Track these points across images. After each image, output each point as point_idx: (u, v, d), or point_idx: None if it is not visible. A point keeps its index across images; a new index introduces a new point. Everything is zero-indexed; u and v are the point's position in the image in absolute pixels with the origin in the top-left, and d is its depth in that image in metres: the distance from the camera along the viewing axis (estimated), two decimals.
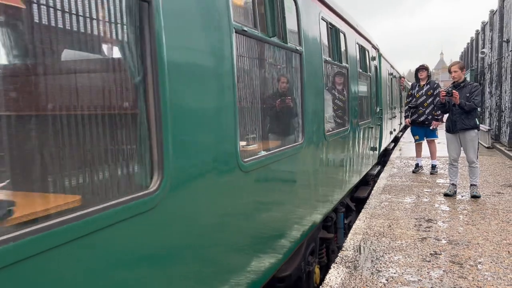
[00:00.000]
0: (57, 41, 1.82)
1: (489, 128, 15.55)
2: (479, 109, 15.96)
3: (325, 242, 5.65)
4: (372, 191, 8.24)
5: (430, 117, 9.63)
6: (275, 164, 3.54)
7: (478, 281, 4.10)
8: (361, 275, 4.31)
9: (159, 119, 2.03)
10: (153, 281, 2.06)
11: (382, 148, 11.72)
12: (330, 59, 5.47)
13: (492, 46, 16.47)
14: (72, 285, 1.64)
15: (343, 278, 4.25)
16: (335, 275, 4.34)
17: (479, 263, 4.54)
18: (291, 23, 3.90)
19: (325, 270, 5.19)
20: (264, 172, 3.35)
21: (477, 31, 21.38)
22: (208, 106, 2.55)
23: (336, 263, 4.68)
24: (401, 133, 21.17)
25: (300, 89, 4.22)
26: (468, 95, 7.00)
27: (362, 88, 8.04)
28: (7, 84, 1.79)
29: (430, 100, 9.61)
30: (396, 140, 17.95)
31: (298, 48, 4.12)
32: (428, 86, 9.72)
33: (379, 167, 10.55)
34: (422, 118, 9.75)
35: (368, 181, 9.14)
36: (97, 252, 1.73)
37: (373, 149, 9.36)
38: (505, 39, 13.85)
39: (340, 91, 6.38)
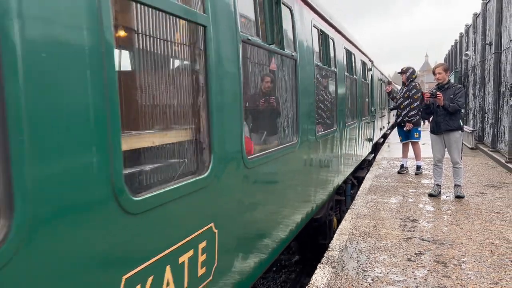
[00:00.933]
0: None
1: (473, 129, 15.78)
2: (463, 110, 16.16)
3: (338, 203, 8.01)
4: (358, 192, 8.30)
5: (406, 118, 9.82)
6: (305, 150, 4.94)
7: (461, 280, 4.16)
8: (346, 275, 4.33)
9: (209, 114, 2.61)
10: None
11: (375, 140, 14.09)
12: (362, 80, 8.00)
13: (476, 49, 16.71)
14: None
15: (329, 278, 4.27)
16: (321, 275, 4.36)
17: (463, 262, 4.60)
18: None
19: (339, 222, 7.24)
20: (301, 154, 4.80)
21: (461, 33, 21.67)
22: (229, 105, 2.92)
23: (322, 263, 4.70)
24: (389, 130, 22.09)
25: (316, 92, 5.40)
26: (452, 96, 7.10)
27: (364, 92, 10.85)
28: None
29: (406, 102, 9.78)
30: (385, 136, 20.41)
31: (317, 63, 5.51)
32: (406, 88, 9.90)
33: (372, 155, 13.11)
34: (399, 120, 10.03)
35: (363, 166, 11.25)
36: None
37: (370, 140, 11.83)
38: (488, 41, 14.07)
39: (352, 94, 8.60)
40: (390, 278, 4.23)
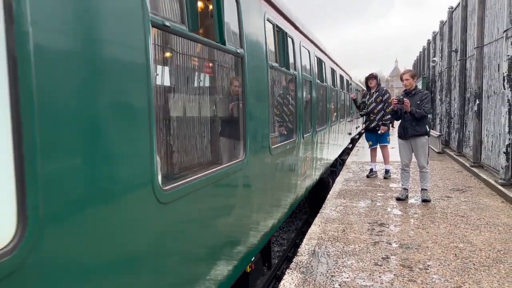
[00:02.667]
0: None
1: (440, 134, 16.16)
2: (430, 115, 16.57)
3: (332, 172, 11.59)
4: (328, 196, 8.36)
5: (380, 123, 9.95)
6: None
7: (426, 284, 4.22)
8: (314, 281, 4.34)
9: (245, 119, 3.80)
10: None
11: (353, 135, 18.24)
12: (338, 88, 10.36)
13: (442, 55, 17.15)
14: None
15: (297, 284, 4.26)
16: (289, 281, 4.35)
17: (428, 266, 4.67)
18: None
19: (332, 183, 10.12)
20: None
21: (428, 40, 22.21)
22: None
23: (291, 269, 4.69)
24: (357, 135, 22.62)
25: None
26: (418, 102, 7.24)
27: (346, 101, 15.17)
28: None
29: (379, 106, 9.92)
30: (360, 134, 23.68)
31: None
32: (377, 93, 10.03)
33: (351, 145, 17.82)
34: (373, 125, 10.09)
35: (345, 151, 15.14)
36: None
37: (349, 133, 16.27)
38: (453, 49, 14.45)
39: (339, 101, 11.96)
40: (357, 283, 4.26)
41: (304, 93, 7.10)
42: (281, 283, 4.33)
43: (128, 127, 2.09)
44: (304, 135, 6.82)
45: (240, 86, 3.86)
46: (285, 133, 6.19)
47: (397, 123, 7.95)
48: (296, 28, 6.66)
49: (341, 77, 13.88)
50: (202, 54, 3.69)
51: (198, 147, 3.65)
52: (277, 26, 5.29)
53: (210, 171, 3.13)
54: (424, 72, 24.09)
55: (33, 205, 1.52)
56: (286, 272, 4.62)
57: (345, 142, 14.52)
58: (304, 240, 5.68)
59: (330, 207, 7.36)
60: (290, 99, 6.29)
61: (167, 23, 2.46)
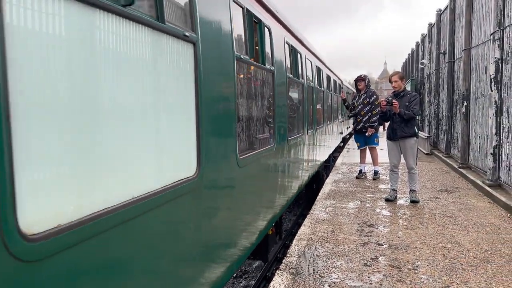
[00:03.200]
0: None
1: (428, 135, 16.30)
2: (418, 117, 16.77)
3: (326, 167, 12.59)
4: (317, 197, 8.38)
5: (367, 124, 10.02)
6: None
7: (415, 284, 4.25)
8: (304, 281, 4.34)
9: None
10: None
11: (344, 134, 19.65)
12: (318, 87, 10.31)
13: (431, 57, 17.31)
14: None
15: (286, 285, 4.26)
16: (279, 282, 4.35)
17: (417, 266, 4.70)
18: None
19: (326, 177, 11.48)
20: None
21: (417, 42, 22.40)
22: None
23: (280, 269, 4.69)
24: (348, 135, 23.00)
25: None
26: (407, 104, 7.30)
27: (338, 103, 16.49)
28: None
29: (366, 108, 9.99)
30: (352, 134, 25.31)
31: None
32: (365, 95, 10.11)
33: (342, 143, 19.48)
34: (360, 126, 10.16)
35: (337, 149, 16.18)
36: None
37: (341, 133, 17.31)
38: (442, 51, 14.60)
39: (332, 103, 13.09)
40: (347, 284, 4.27)
41: (310, 96, 8.62)
42: (271, 284, 4.32)
43: (229, 124, 3.60)
44: (318, 128, 9.71)
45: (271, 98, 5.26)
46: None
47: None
48: (303, 44, 8.18)
49: (334, 81, 15.46)
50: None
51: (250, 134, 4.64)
52: (291, 46, 6.67)
53: (262, 149, 4.74)
54: (413, 74, 24.29)
55: (204, 157, 2.95)
56: (276, 273, 4.62)
57: (337, 140, 16.14)
58: (294, 241, 5.69)
59: (319, 208, 7.38)
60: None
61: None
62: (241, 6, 4.12)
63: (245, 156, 4.02)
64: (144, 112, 2.33)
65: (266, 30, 5.10)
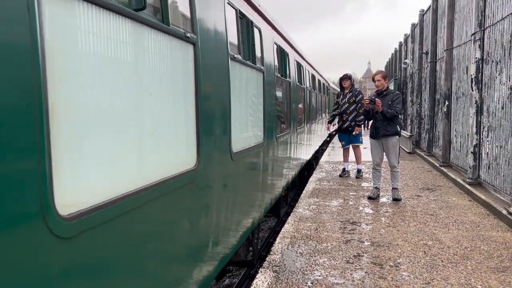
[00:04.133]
0: None
1: (411, 134, 16.50)
2: (401, 116, 16.99)
3: (315, 157, 13.86)
4: (301, 195, 8.42)
5: (353, 123, 10.09)
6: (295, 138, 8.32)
7: (396, 281, 4.29)
8: (287, 279, 4.36)
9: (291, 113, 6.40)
10: None
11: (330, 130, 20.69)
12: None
13: (414, 57, 17.51)
14: None
15: (269, 283, 4.27)
16: (262, 279, 4.35)
17: (398, 263, 4.76)
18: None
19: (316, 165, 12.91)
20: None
21: (400, 42, 22.63)
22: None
23: (264, 267, 4.70)
24: (334, 132, 23.60)
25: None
26: (390, 103, 7.37)
27: (324, 103, 17.73)
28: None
29: (352, 107, 10.06)
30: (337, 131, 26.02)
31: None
32: (351, 94, 10.16)
33: (329, 138, 21.05)
34: (346, 125, 10.21)
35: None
36: None
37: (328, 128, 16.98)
38: (424, 51, 14.77)
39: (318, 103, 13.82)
40: (329, 281, 4.30)
41: (297, 95, 8.82)
42: (254, 282, 4.33)
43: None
44: (308, 125, 10.80)
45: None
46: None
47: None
48: (292, 46, 8.47)
49: (319, 81, 16.03)
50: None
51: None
52: (280, 46, 6.92)
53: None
54: (396, 73, 24.54)
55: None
56: (259, 271, 4.62)
57: (324, 135, 17.73)
58: (278, 239, 5.70)
59: (303, 206, 7.41)
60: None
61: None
62: (277, 45, 5.81)
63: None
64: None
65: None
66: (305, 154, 10.40)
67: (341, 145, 10.80)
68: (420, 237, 5.67)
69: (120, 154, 2.17)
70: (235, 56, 4.15)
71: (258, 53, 5.29)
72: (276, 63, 6.57)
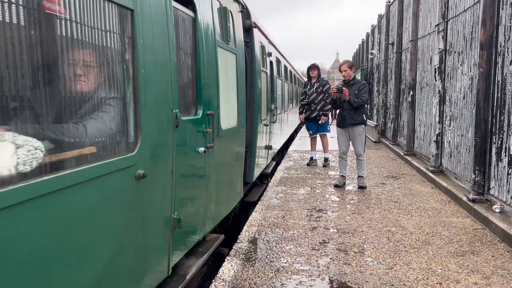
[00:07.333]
0: None
1: (376, 124, 16.80)
2: (367, 105, 17.20)
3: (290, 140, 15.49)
4: (269, 184, 8.45)
5: (321, 112, 10.16)
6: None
7: (361, 266, 4.37)
8: (253, 267, 4.37)
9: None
10: None
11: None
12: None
13: (380, 48, 17.76)
14: None
15: (236, 271, 4.27)
16: (228, 268, 4.35)
17: (363, 249, 4.84)
18: None
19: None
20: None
21: (367, 33, 22.92)
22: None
23: (230, 255, 4.69)
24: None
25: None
26: (356, 92, 7.46)
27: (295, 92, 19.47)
28: None
29: (320, 97, 10.12)
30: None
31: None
32: (318, 83, 10.22)
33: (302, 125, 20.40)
34: (314, 114, 10.27)
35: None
36: None
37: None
38: (390, 41, 15.00)
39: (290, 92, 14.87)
40: (295, 268, 4.34)
41: (269, 84, 9.32)
42: (220, 270, 4.32)
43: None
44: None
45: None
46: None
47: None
48: (270, 42, 9.42)
49: (291, 72, 17.02)
50: None
51: None
52: (261, 43, 7.87)
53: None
54: (363, 64, 24.88)
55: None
56: (225, 259, 4.61)
57: (297, 121, 18.92)
58: (245, 227, 5.70)
59: (271, 195, 7.43)
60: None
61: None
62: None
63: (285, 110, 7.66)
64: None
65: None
66: (282, 136, 12.23)
67: (308, 134, 10.89)
68: (384, 223, 5.79)
69: None
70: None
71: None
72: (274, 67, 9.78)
